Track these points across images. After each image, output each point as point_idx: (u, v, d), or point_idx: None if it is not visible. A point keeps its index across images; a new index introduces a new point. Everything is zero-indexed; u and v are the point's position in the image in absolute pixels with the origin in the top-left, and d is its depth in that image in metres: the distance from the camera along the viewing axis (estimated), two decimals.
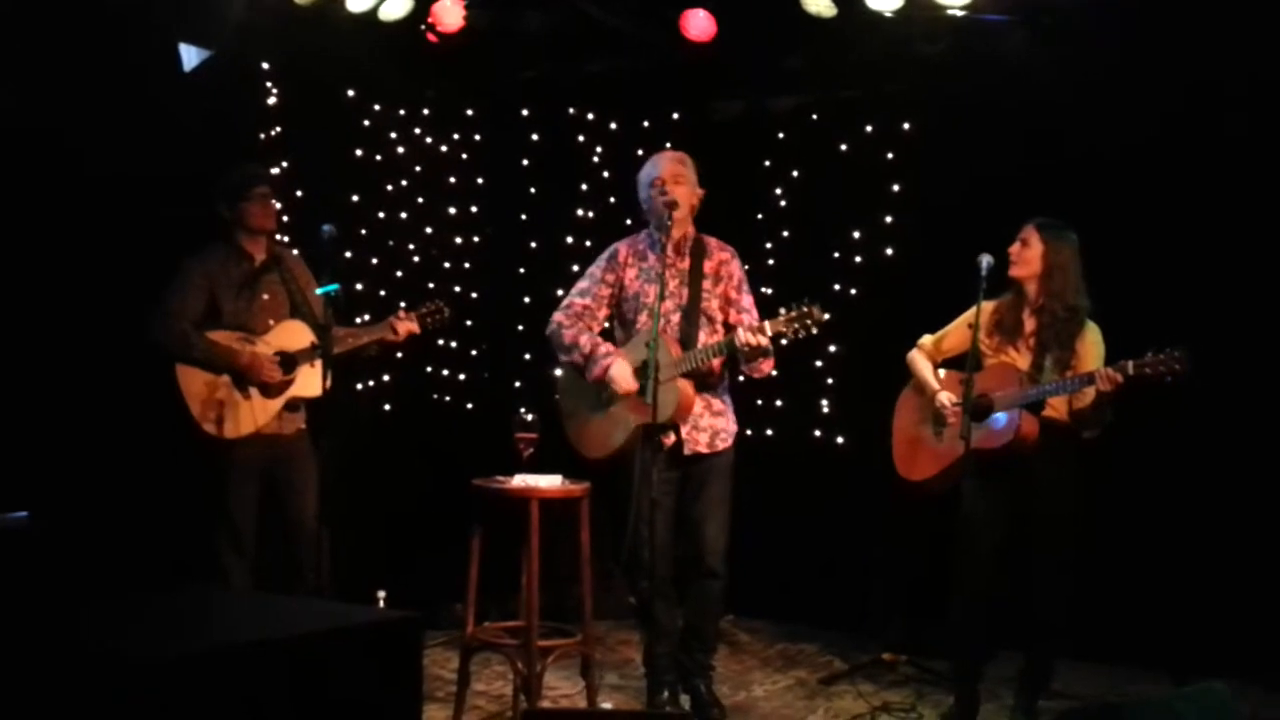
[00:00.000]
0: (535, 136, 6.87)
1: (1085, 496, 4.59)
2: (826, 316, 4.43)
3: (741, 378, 4.91)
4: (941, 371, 4.86)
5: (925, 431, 4.83)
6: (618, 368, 4.69)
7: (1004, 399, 4.50)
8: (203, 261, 4.87)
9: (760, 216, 6.42)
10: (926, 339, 4.91)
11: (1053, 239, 4.57)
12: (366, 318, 5.73)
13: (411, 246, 6.58)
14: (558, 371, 6.34)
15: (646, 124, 6.77)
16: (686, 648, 4.84)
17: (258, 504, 4.88)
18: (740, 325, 4.62)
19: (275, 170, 5.59)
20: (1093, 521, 4.71)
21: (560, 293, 6.53)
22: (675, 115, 6.70)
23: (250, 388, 4.80)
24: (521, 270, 6.91)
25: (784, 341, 4.48)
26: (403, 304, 5.41)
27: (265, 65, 5.86)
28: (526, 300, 6.86)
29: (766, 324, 4.44)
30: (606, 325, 4.94)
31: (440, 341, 6.53)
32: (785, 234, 6.41)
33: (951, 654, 4.89)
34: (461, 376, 6.79)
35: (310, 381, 4.82)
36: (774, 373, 4.91)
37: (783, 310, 4.46)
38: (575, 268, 6.60)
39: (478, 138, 6.80)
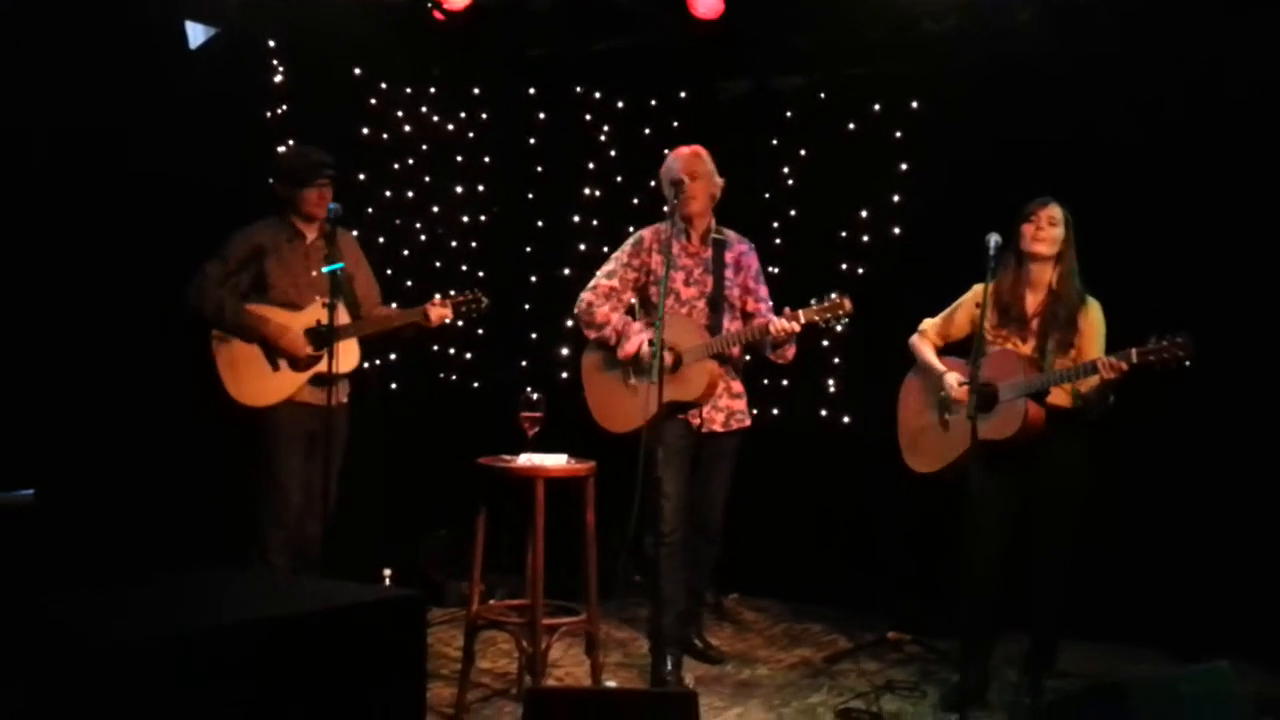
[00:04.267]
0: (542, 115, 6.85)
1: (1092, 479, 4.59)
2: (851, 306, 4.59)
3: (751, 354, 4.98)
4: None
5: (931, 420, 4.81)
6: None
7: (1009, 388, 4.49)
8: (249, 237, 4.93)
9: (768, 196, 6.39)
10: (928, 325, 4.90)
11: (1069, 218, 4.60)
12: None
13: (418, 225, 6.58)
14: (564, 351, 6.37)
15: (653, 103, 6.74)
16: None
17: (304, 471, 4.92)
18: (758, 313, 4.92)
19: (281, 149, 5.58)
20: (1099, 503, 4.71)
21: (567, 271, 6.56)
22: (682, 94, 6.67)
23: (280, 360, 4.88)
24: (528, 249, 6.90)
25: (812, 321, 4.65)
26: (409, 282, 5.41)
27: (271, 43, 5.85)
28: (533, 279, 6.86)
29: (800, 313, 4.64)
30: (629, 309, 5.06)
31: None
32: (792, 213, 6.39)
33: (959, 635, 4.90)
34: (468, 355, 6.79)
35: (342, 357, 4.84)
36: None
37: (814, 301, 4.65)
38: (582, 247, 6.61)
39: (484, 116, 6.79)
